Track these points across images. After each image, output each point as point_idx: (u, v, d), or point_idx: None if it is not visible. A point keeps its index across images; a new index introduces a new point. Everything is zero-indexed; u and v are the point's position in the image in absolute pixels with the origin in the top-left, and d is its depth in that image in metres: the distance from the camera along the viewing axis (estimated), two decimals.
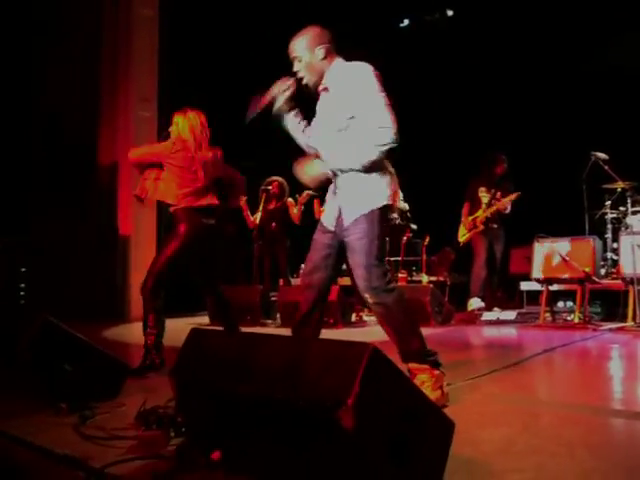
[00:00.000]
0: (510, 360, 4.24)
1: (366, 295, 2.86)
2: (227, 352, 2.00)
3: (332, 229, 2.96)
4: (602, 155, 7.14)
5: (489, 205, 7.59)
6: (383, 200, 2.86)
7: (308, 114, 3.13)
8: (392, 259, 8.17)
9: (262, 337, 2.11)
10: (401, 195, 7.83)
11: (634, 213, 6.93)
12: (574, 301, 6.68)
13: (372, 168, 2.85)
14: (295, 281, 7.76)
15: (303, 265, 3.15)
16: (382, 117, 2.75)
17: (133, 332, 5.86)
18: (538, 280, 6.76)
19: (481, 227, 7.60)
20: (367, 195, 2.85)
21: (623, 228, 6.93)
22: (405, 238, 8.09)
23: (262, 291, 7.37)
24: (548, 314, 6.83)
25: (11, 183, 7.88)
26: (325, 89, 2.96)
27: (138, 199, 4.07)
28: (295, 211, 7.40)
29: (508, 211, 7.52)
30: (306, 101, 3.10)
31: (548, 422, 2.77)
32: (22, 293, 7.42)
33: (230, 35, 9.37)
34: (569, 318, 6.80)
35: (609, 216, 7.30)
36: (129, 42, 8.11)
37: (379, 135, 2.74)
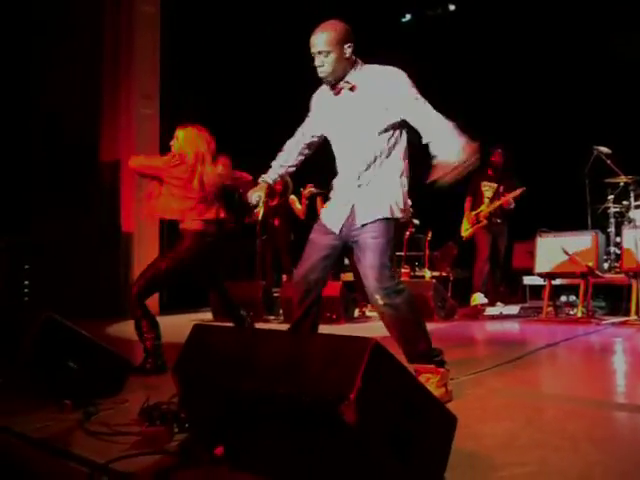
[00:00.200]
0: (513, 355, 4.24)
1: (377, 296, 2.83)
2: (230, 348, 2.00)
3: (337, 230, 2.94)
4: (604, 149, 7.13)
5: (492, 200, 7.58)
6: (400, 213, 2.90)
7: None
8: (395, 254, 8.17)
9: (264, 333, 2.11)
10: None
11: (637, 207, 6.92)
12: (577, 295, 6.68)
13: (397, 172, 2.91)
14: None
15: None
16: (432, 109, 2.82)
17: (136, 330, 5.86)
18: (541, 275, 6.75)
19: (484, 222, 7.59)
20: (388, 201, 2.87)
21: (626, 222, 6.92)
22: (408, 233, 8.09)
23: (264, 287, 7.38)
24: (551, 308, 6.83)
25: (13, 182, 7.89)
26: (353, 88, 2.88)
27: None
28: (299, 206, 7.40)
29: (512, 207, 7.50)
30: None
31: (551, 416, 2.78)
32: (26, 290, 7.44)
33: (231, 32, 9.36)
34: (572, 312, 6.80)
35: (612, 210, 7.29)
36: (131, 39, 8.09)
37: (437, 115, 2.80)
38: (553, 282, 6.81)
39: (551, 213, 7.84)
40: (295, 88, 3.07)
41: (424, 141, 2.83)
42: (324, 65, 2.83)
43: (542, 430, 2.47)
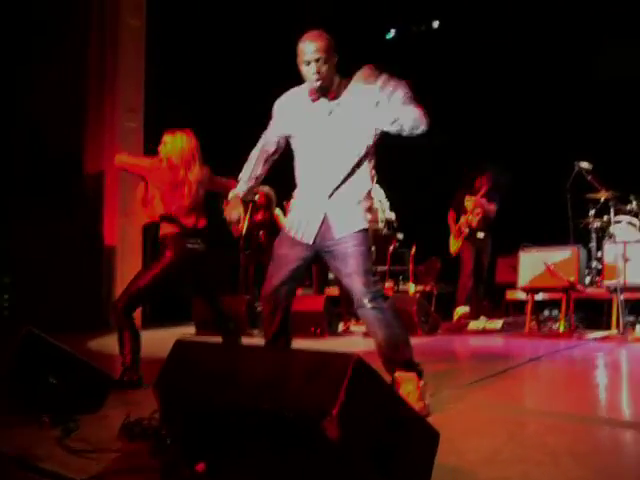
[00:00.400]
0: (496, 369, 4.25)
1: (365, 300, 2.85)
2: (211, 364, 1.99)
3: (310, 240, 2.95)
4: (586, 165, 7.21)
5: (473, 212, 7.64)
6: (367, 224, 2.96)
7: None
8: (379, 269, 8.19)
9: (247, 348, 2.10)
10: (387, 205, 7.87)
11: (617, 222, 7.00)
12: (560, 310, 6.73)
13: (368, 183, 2.96)
14: None
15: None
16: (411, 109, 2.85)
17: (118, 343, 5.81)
18: (523, 289, 6.80)
19: (465, 231, 7.64)
20: (362, 212, 2.94)
21: (607, 237, 6.99)
22: (392, 248, 8.11)
23: (248, 301, 7.35)
24: (534, 323, 6.87)
25: None
26: (331, 96, 2.90)
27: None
28: (284, 220, 7.38)
29: (493, 213, 7.57)
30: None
31: (533, 431, 2.78)
32: (5, 305, 7.34)
33: (217, 44, 9.38)
34: (554, 327, 6.84)
35: (593, 225, 7.36)
36: (116, 52, 8.10)
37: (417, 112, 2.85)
38: (536, 297, 6.86)
39: (534, 228, 7.90)
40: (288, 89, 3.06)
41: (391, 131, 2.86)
42: (321, 71, 2.82)
43: (524, 445, 2.48)
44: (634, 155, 7.83)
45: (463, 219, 7.71)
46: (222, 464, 1.94)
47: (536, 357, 4.93)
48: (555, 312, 7.34)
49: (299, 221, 3.00)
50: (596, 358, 5.10)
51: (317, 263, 3.12)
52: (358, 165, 2.92)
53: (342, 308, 7.05)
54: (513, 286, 7.14)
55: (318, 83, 2.85)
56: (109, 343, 6.39)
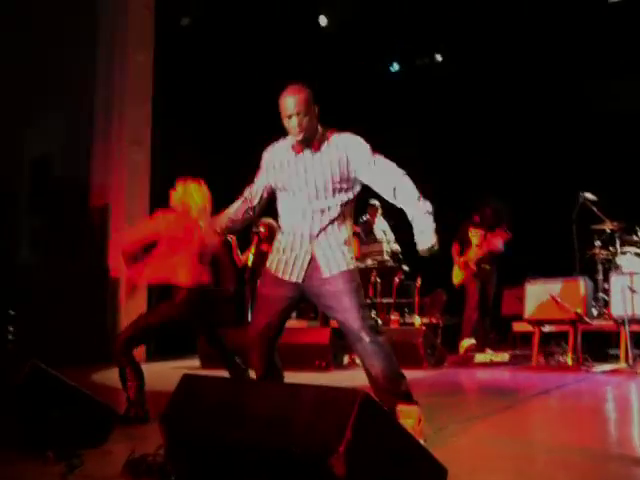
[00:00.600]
0: (503, 403, 4.21)
1: (362, 334, 2.88)
2: (218, 399, 1.98)
3: (300, 279, 2.98)
4: (590, 196, 7.22)
5: (480, 246, 7.63)
6: (353, 263, 3.01)
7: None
8: (384, 301, 8.17)
9: (253, 383, 2.09)
10: (393, 237, 7.87)
11: (623, 253, 6.98)
12: (566, 342, 6.67)
13: (350, 223, 3.05)
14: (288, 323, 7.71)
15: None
16: (397, 168, 2.94)
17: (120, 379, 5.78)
18: (530, 321, 6.75)
19: (474, 269, 7.62)
20: (349, 252, 2.99)
21: (613, 268, 6.97)
22: (397, 280, 8.09)
23: None
24: (541, 355, 6.80)
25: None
26: (315, 148, 2.98)
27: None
28: None
29: (501, 250, 7.55)
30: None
31: (543, 467, 2.75)
32: (10, 337, 7.33)
33: (222, 79, 9.51)
34: (562, 359, 6.78)
35: (599, 256, 7.34)
36: (123, 87, 8.21)
37: (407, 180, 2.92)
38: (543, 328, 6.81)
39: (539, 259, 7.88)
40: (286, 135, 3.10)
41: (394, 202, 2.97)
42: (302, 124, 2.91)
43: None
44: (639, 186, 7.85)
45: (472, 254, 7.65)
46: None
47: (544, 390, 4.88)
48: (562, 344, 7.27)
49: (285, 261, 3.03)
50: (605, 392, 5.05)
51: (304, 303, 3.13)
52: (342, 209, 3.01)
53: (346, 341, 7.00)
54: (519, 318, 7.09)
55: (300, 136, 2.95)
56: (113, 377, 6.35)
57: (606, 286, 6.99)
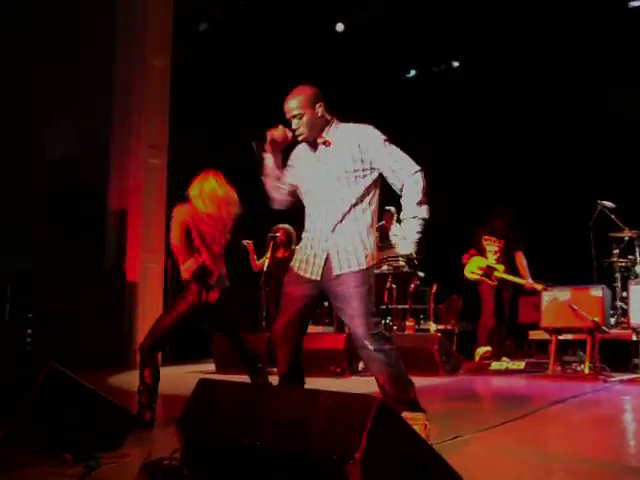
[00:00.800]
0: (520, 412, 4.17)
1: (366, 342, 2.88)
2: (235, 404, 1.99)
3: (318, 277, 2.99)
4: (608, 204, 7.17)
5: (498, 260, 7.53)
6: (373, 260, 3.00)
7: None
8: (400, 307, 8.15)
9: (270, 389, 2.10)
10: None
11: None
12: (584, 351, 6.60)
13: (369, 222, 3.03)
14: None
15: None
16: (411, 163, 3.00)
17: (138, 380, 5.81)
18: (547, 329, 6.69)
19: (494, 283, 7.53)
20: (364, 251, 2.97)
21: (632, 277, 6.90)
22: (413, 286, 8.07)
23: (268, 338, 7.31)
24: (557, 364, 6.74)
25: (17, 229, 7.95)
26: (327, 143, 3.04)
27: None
28: None
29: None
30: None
31: (560, 477, 2.72)
32: (29, 340, 7.40)
33: (239, 84, 9.57)
34: (579, 368, 6.71)
35: (618, 265, 7.28)
36: (142, 92, 8.27)
37: (417, 178, 2.97)
38: (559, 337, 6.74)
39: (557, 267, 7.83)
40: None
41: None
42: (300, 127, 3.03)
43: None
44: None
45: (500, 271, 7.53)
46: None
47: (561, 400, 4.83)
48: (580, 353, 7.20)
49: (305, 259, 3.07)
50: (623, 402, 4.99)
51: (325, 301, 3.14)
52: (357, 206, 3.01)
53: None
54: (536, 326, 7.04)
55: (299, 137, 3.06)
56: (130, 380, 6.39)
57: (624, 294, 6.93)
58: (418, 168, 3.00)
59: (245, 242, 7.47)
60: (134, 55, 8.35)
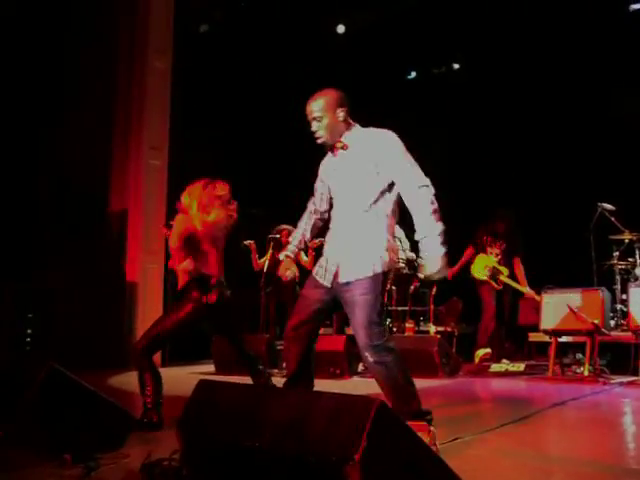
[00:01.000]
0: (519, 414, 4.17)
1: (367, 353, 2.87)
2: (234, 405, 1.99)
3: (329, 284, 3.00)
4: (608, 206, 7.17)
5: (500, 262, 7.53)
6: (385, 266, 2.94)
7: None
8: (399, 309, 8.14)
9: (269, 390, 2.10)
10: (408, 245, 7.85)
11: None
12: (583, 353, 6.60)
13: (383, 228, 2.99)
14: None
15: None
16: (419, 177, 2.93)
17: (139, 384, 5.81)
18: (546, 331, 6.69)
19: (499, 287, 7.53)
20: (372, 258, 2.93)
21: (632, 279, 6.90)
22: (412, 288, 8.06)
23: (268, 340, 7.32)
24: (557, 366, 6.74)
25: (17, 229, 7.95)
26: (344, 147, 3.04)
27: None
28: (305, 258, 7.38)
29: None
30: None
31: (559, 479, 2.72)
32: (28, 339, 7.40)
33: (241, 85, 9.57)
34: (578, 370, 6.71)
35: (618, 267, 7.28)
36: (143, 92, 8.27)
37: (423, 193, 2.91)
38: (559, 339, 6.74)
39: (557, 269, 7.83)
40: (307, 142, 3.14)
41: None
42: (319, 130, 3.03)
43: None
44: None
45: (504, 275, 7.53)
46: None
47: (560, 402, 4.83)
48: (579, 355, 7.20)
49: (321, 264, 3.08)
50: (623, 404, 4.99)
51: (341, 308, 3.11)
52: (371, 211, 2.99)
53: None
54: (536, 328, 7.04)
55: (320, 140, 3.06)
56: (130, 381, 6.39)
57: (624, 297, 6.93)
58: (425, 182, 2.93)
59: (247, 242, 7.48)
60: (135, 56, 8.35)
